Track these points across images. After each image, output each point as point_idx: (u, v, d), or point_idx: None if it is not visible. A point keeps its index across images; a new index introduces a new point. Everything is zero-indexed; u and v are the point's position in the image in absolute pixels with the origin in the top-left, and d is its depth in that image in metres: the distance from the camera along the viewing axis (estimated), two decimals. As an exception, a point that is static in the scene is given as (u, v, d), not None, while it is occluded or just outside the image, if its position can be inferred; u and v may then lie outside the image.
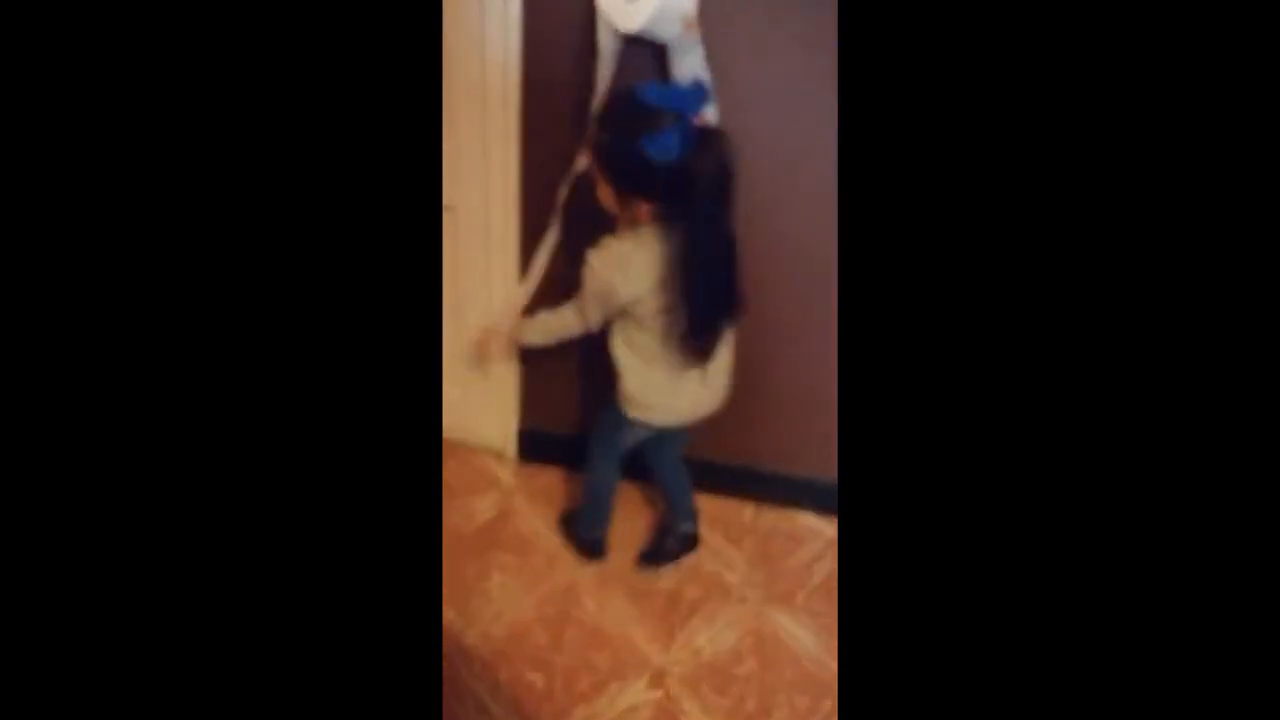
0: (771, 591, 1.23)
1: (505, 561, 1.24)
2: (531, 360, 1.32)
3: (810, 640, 1.15)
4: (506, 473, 1.42)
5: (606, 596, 1.19)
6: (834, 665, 1.11)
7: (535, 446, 1.43)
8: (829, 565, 1.29)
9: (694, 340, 0.92)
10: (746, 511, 1.37)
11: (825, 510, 1.37)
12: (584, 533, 1.25)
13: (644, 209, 0.87)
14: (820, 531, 1.36)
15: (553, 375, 1.33)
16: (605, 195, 0.89)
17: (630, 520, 1.32)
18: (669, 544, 1.24)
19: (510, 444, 1.43)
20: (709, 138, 0.82)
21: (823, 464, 1.33)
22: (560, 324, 1.01)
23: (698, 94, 0.83)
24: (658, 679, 1.07)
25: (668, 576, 1.23)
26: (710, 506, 1.36)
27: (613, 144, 0.85)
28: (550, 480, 1.41)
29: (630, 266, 0.89)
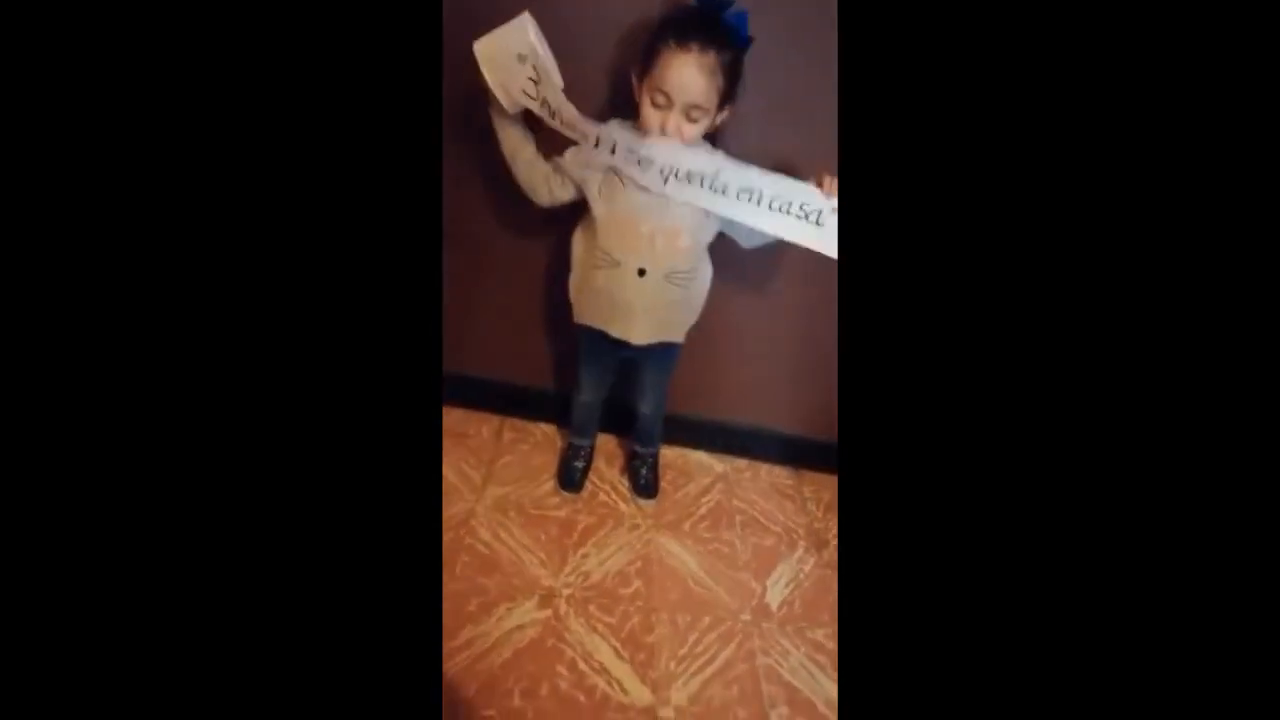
0: (661, 520, 1.29)
1: (401, 494, 1.25)
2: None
3: (694, 563, 1.22)
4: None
5: (501, 526, 1.22)
6: (713, 585, 1.19)
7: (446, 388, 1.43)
8: (717, 497, 1.36)
9: None
10: (643, 449, 1.43)
11: (715, 448, 1.45)
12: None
13: (724, 116, 0.93)
14: (710, 467, 1.43)
15: (464, 317, 1.33)
16: (698, 103, 0.88)
17: (530, 457, 1.36)
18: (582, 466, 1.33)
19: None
20: None
21: (713, 405, 1.40)
22: None
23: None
24: (547, 600, 1.11)
25: (564, 507, 1.28)
26: (609, 444, 1.41)
27: (726, 38, 0.86)
28: (453, 420, 1.42)
29: None
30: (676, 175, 0.92)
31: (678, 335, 1.11)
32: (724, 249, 1.07)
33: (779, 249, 1.06)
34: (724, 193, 0.92)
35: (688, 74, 0.85)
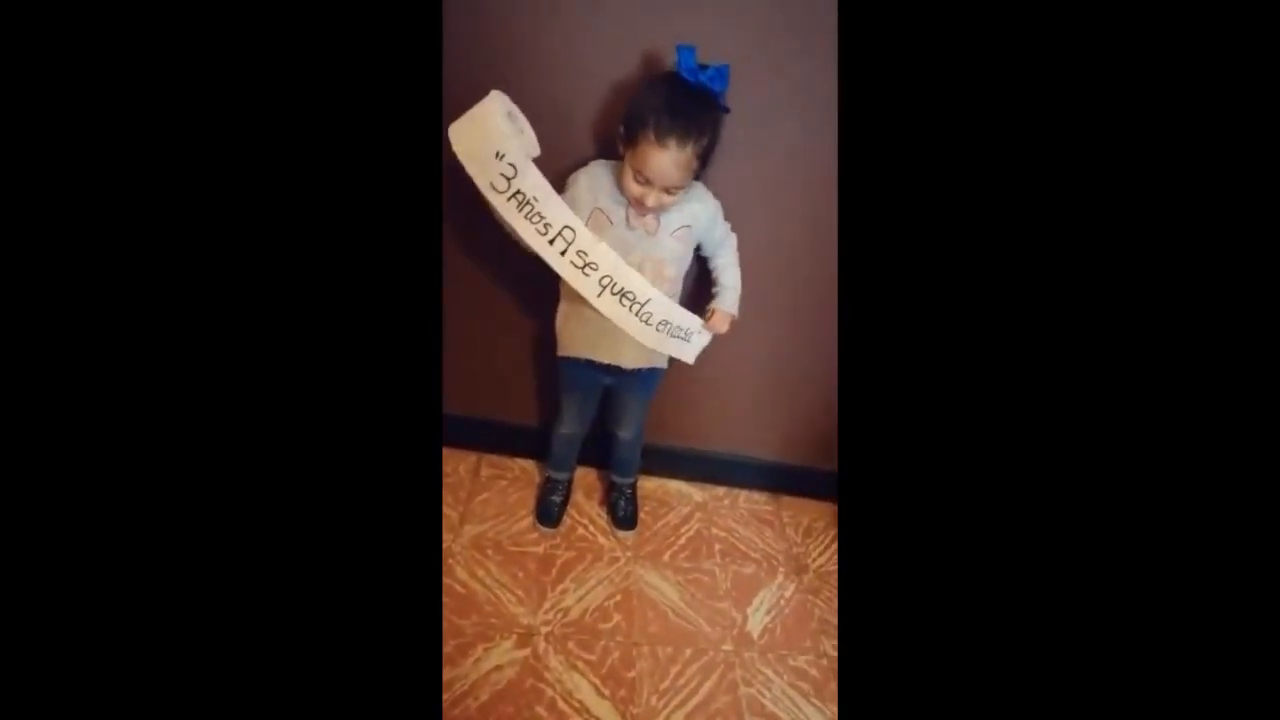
0: (641, 552, 1.28)
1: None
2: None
3: (674, 594, 1.21)
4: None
5: (478, 564, 1.21)
6: (694, 616, 1.18)
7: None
8: (696, 526, 1.36)
9: None
10: (621, 480, 1.42)
11: (694, 477, 1.45)
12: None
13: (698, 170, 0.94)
14: (689, 496, 1.43)
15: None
16: (676, 185, 0.92)
17: (508, 493, 1.35)
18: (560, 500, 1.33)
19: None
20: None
21: (691, 434, 1.41)
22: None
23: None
24: (525, 639, 1.09)
25: (542, 542, 1.26)
26: (588, 477, 1.41)
27: (706, 122, 0.89)
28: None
29: None
30: (613, 290, 0.99)
31: (663, 360, 1.14)
32: (703, 278, 1.10)
33: (753, 275, 1.09)
34: (647, 322, 1.02)
35: (666, 167, 0.89)
